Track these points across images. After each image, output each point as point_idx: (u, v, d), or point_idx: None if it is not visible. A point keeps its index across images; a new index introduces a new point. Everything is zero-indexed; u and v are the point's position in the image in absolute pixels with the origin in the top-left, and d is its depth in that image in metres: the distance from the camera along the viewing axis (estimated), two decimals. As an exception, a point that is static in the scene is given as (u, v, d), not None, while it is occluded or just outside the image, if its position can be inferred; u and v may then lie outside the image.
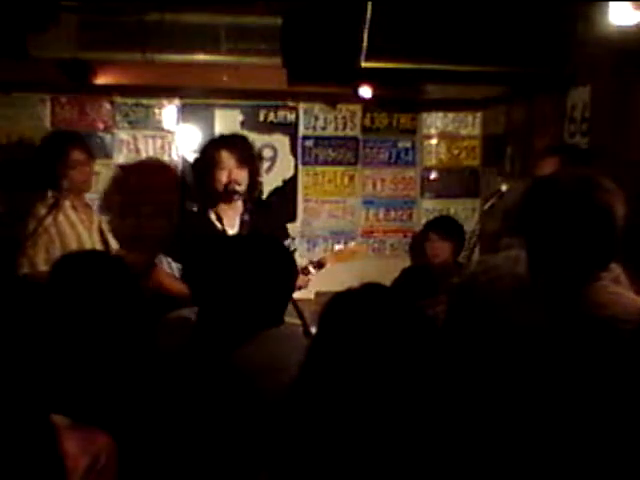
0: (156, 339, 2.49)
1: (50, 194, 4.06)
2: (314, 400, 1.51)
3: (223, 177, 3.86)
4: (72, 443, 1.56)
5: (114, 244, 4.40)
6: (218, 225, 3.89)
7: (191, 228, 3.95)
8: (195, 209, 4.24)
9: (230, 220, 3.92)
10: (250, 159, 3.97)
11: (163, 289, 3.84)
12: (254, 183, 4.00)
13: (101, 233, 4.26)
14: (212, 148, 3.99)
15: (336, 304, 1.63)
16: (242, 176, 3.89)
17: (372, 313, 1.57)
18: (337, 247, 5.02)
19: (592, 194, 2.01)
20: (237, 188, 3.85)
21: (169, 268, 3.87)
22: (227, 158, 3.87)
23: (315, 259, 4.25)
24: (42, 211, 3.97)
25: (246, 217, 3.89)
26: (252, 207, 3.90)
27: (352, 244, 5.15)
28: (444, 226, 4.93)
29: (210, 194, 3.93)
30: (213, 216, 3.91)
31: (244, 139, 4.09)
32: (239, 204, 3.91)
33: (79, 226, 4.13)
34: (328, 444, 1.48)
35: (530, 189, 2.15)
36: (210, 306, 2.28)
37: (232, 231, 3.88)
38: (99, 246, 4.18)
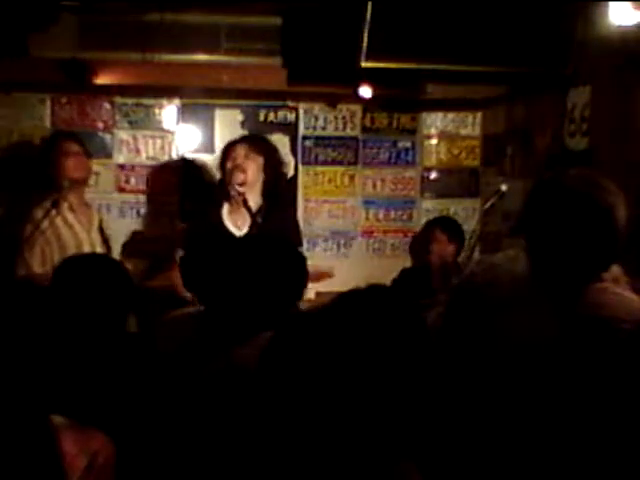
0: (156, 338, 2.49)
1: (50, 195, 4.06)
2: (307, 400, 1.50)
3: (230, 166, 3.88)
4: (70, 443, 1.56)
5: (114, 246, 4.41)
6: (228, 223, 3.90)
7: (207, 225, 3.95)
8: (213, 206, 4.21)
9: (241, 220, 3.90)
10: (262, 151, 3.96)
11: (178, 290, 3.81)
12: (271, 180, 3.98)
13: (102, 232, 4.25)
14: (227, 145, 4.06)
15: (341, 304, 1.62)
16: (250, 166, 3.88)
17: (376, 315, 1.57)
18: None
19: (594, 195, 2.01)
20: (240, 177, 3.83)
21: None
22: (237, 147, 3.93)
23: None
24: (39, 214, 3.98)
25: (259, 218, 3.86)
26: (267, 208, 3.88)
27: (321, 268, 4.96)
28: (451, 227, 4.91)
29: (224, 192, 3.94)
30: (226, 215, 3.92)
31: (259, 135, 4.13)
32: (251, 204, 3.88)
33: (77, 227, 4.13)
34: (323, 440, 1.48)
35: (532, 190, 2.16)
36: (216, 305, 2.29)
37: (240, 232, 3.86)
38: (99, 246, 4.16)
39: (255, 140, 4.02)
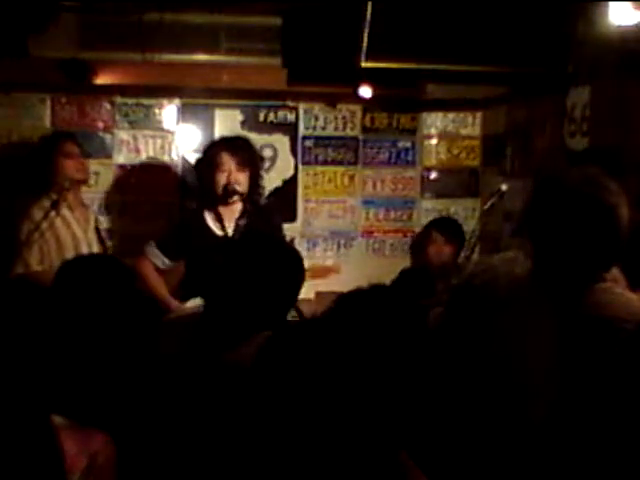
0: (157, 339, 2.49)
1: (48, 196, 4.06)
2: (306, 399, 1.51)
3: (222, 179, 3.86)
4: (71, 443, 1.57)
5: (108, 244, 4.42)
6: (212, 226, 3.89)
7: (186, 226, 3.96)
8: (193, 207, 4.23)
9: (226, 222, 3.91)
10: (251, 162, 3.97)
11: (143, 282, 3.76)
12: (255, 186, 3.99)
13: (97, 232, 4.26)
14: (213, 149, 4.00)
15: (342, 304, 1.63)
16: (242, 178, 3.89)
17: (377, 316, 1.57)
18: None
19: (597, 194, 2.02)
20: (236, 189, 3.85)
21: (156, 258, 3.87)
22: (227, 160, 3.87)
23: None
24: (38, 215, 3.98)
25: (242, 221, 3.88)
26: (250, 211, 3.89)
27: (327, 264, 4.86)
28: (449, 228, 4.92)
29: (209, 195, 3.94)
30: (209, 217, 3.91)
31: (246, 141, 4.10)
32: (237, 207, 3.90)
33: (74, 225, 4.14)
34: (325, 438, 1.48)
35: (535, 189, 2.16)
36: (216, 307, 2.29)
37: (226, 234, 3.88)
38: (95, 245, 4.18)
39: (240, 152, 3.93)
